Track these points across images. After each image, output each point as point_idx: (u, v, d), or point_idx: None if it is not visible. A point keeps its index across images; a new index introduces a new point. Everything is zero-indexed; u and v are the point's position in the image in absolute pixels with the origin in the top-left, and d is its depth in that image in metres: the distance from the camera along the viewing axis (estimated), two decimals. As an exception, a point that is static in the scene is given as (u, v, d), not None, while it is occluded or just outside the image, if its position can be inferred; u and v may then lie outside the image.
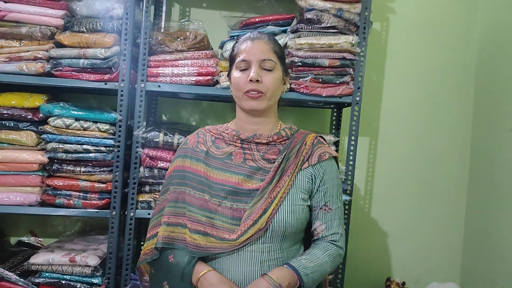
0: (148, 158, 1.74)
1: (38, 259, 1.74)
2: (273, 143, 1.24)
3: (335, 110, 2.16)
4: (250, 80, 1.19)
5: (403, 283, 2.12)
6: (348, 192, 1.81)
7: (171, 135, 1.74)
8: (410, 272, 2.29)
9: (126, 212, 1.77)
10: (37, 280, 1.73)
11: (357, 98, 1.79)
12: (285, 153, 1.22)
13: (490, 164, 2.10)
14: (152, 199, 1.78)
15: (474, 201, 2.23)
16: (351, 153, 1.81)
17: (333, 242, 1.23)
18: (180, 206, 1.23)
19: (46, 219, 2.14)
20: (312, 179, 1.23)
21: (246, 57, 1.22)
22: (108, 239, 1.76)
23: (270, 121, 1.27)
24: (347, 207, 1.83)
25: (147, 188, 1.79)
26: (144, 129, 1.74)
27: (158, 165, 1.75)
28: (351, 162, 1.81)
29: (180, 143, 1.71)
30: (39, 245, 2.10)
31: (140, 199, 1.78)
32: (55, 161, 1.76)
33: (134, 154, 1.75)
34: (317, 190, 1.23)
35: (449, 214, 2.30)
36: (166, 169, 1.75)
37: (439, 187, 2.30)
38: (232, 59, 1.29)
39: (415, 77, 2.28)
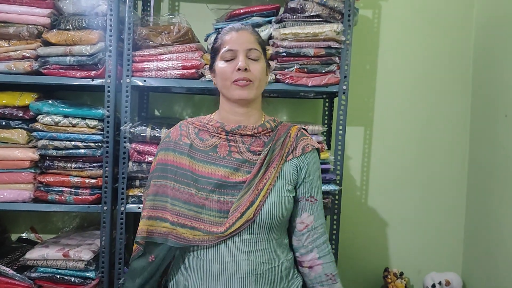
0: (136, 153, 1.75)
1: (33, 254, 1.78)
2: (257, 135, 1.24)
3: (327, 100, 2.14)
4: (239, 69, 1.18)
5: (401, 273, 2.09)
6: (337, 182, 1.79)
7: (158, 129, 1.75)
8: (409, 262, 2.26)
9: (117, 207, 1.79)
10: (32, 275, 1.77)
11: (344, 87, 1.76)
12: (270, 145, 1.22)
13: (489, 151, 2.05)
14: (142, 193, 1.79)
15: (474, 190, 2.19)
16: (340, 142, 1.79)
17: (322, 236, 1.26)
18: (160, 199, 1.24)
19: (46, 216, 2.18)
20: (297, 170, 1.24)
21: (232, 47, 1.21)
22: (101, 234, 1.79)
23: (254, 112, 1.27)
24: (337, 196, 1.81)
25: (137, 182, 1.80)
26: (130, 124, 1.75)
27: (146, 160, 1.76)
28: (339, 152, 1.79)
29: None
30: (39, 241, 2.15)
31: (130, 193, 1.79)
32: (47, 158, 1.79)
33: (122, 149, 1.76)
34: (302, 181, 1.24)
35: (448, 203, 2.26)
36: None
37: (437, 175, 2.26)
38: (215, 50, 1.27)
39: (410, 65, 2.24)
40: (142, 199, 1.33)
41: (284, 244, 1.26)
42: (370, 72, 2.24)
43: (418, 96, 2.25)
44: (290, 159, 1.23)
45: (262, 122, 1.28)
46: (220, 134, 1.24)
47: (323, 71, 1.76)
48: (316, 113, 2.22)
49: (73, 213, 2.15)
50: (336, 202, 1.81)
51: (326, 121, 2.14)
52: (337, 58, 1.76)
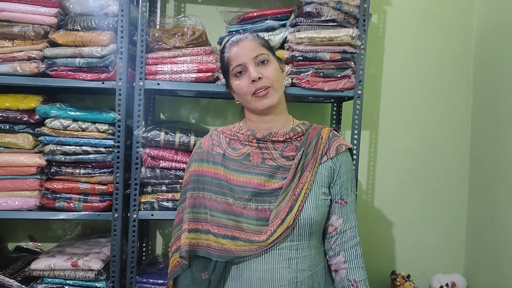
0: (149, 158, 1.70)
1: (39, 264, 1.70)
2: (289, 140, 1.23)
3: (335, 104, 2.14)
4: (253, 81, 1.17)
5: (408, 276, 2.12)
6: (352, 186, 1.79)
7: (172, 134, 1.71)
8: (414, 265, 2.28)
9: (128, 214, 1.73)
10: (39, 286, 1.70)
11: (359, 92, 1.77)
12: (303, 149, 1.21)
13: (491, 154, 2.10)
14: (155, 200, 1.74)
15: (476, 192, 2.23)
16: (355, 147, 1.79)
17: (351, 239, 1.23)
18: (199, 211, 1.22)
19: (45, 223, 2.09)
20: (331, 172, 1.23)
21: (238, 61, 1.20)
22: (111, 242, 1.73)
23: (281, 117, 1.26)
24: (352, 201, 1.81)
25: (149, 188, 1.75)
26: (144, 128, 1.70)
27: (160, 165, 1.71)
28: (355, 157, 1.79)
29: (183, 143, 1.70)
30: (38, 250, 2.06)
31: (143, 200, 1.74)
32: (54, 163, 1.71)
33: (134, 155, 1.71)
34: (334, 183, 1.23)
35: (451, 206, 2.30)
36: (168, 169, 1.73)
37: (440, 179, 2.29)
38: (225, 70, 1.28)
39: (414, 69, 2.27)
40: (177, 212, 1.29)
41: (322, 249, 1.25)
42: (375, 76, 2.26)
43: (421, 100, 2.28)
44: (325, 161, 1.22)
45: (292, 126, 1.27)
46: (251, 142, 1.23)
47: (339, 76, 1.75)
48: (323, 117, 2.22)
49: (75, 220, 2.07)
50: (351, 206, 1.81)
51: (334, 125, 2.14)
52: (352, 63, 1.76)
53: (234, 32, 1.76)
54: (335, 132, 1.30)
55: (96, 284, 1.71)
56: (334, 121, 2.14)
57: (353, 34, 1.75)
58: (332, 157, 1.23)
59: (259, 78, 1.17)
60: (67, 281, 1.71)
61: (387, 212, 2.29)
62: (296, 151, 1.21)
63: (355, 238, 1.24)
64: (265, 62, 1.20)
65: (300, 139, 1.24)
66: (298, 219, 1.14)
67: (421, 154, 2.28)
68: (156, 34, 1.71)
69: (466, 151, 2.30)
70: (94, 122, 1.70)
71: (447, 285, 2.06)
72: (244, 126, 1.29)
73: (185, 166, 1.70)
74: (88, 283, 1.71)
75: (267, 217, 1.14)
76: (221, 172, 1.21)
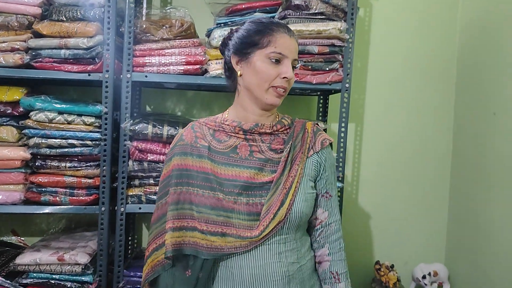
0: (137, 151, 1.69)
1: (24, 259, 1.67)
2: (276, 132, 1.21)
3: (321, 97, 2.16)
4: (284, 77, 1.13)
5: (392, 266, 2.16)
6: (340, 179, 1.81)
7: (160, 127, 1.70)
8: (398, 255, 2.33)
9: (116, 208, 1.72)
10: (24, 281, 1.67)
11: (347, 85, 1.78)
12: (291, 142, 1.20)
13: (473, 147, 2.15)
14: (142, 193, 1.73)
15: (457, 185, 2.28)
16: (342, 140, 1.81)
17: (336, 232, 1.24)
18: (184, 207, 1.16)
19: (29, 218, 2.06)
20: (317, 166, 1.22)
21: (283, 51, 1.14)
22: (98, 235, 1.71)
23: (273, 111, 1.24)
24: (339, 193, 1.84)
25: (136, 182, 1.74)
26: (131, 121, 1.68)
27: (148, 158, 1.70)
28: (342, 149, 1.81)
29: (171, 136, 1.68)
30: (21, 244, 2.02)
31: (130, 193, 1.73)
32: (38, 157, 1.69)
33: (122, 148, 1.69)
34: (320, 177, 1.23)
35: (433, 197, 2.35)
36: (156, 162, 1.72)
37: (423, 171, 2.34)
38: (255, 43, 1.15)
39: (399, 63, 2.30)
40: (156, 208, 1.22)
41: (307, 241, 1.25)
42: (360, 69, 2.28)
43: (405, 93, 2.31)
44: (311, 155, 1.22)
45: (277, 119, 1.25)
46: (237, 133, 1.19)
47: (327, 69, 1.77)
48: (310, 110, 2.23)
49: (59, 214, 2.04)
50: (339, 199, 1.84)
51: (320, 118, 2.16)
52: (340, 56, 1.78)
53: (222, 24, 1.75)
54: (318, 126, 1.31)
55: (83, 278, 1.70)
56: (320, 114, 2.16)
57: (341, 28, 1.76)
58: (318, 151, 1.23)
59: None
60: (53, 276, 1.68)
61: (371, 204, 2.33)
62: (284, 144, 1.20)
63: (339, 232, 1.25)
64: (294, 68, 1.19)
65: (287, 132, 1.23)
66: (289, 213, 1.13)
67: (404, 146, 2.32)
68: (144, 26, 1.69)
69: (448, 144, 2.35)
70: (80, 115, 1.68)
71: (429, 274, 2.12)
72: (229, 116, 1.23)
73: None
74: (75, 277, 1.69)
75: (258, 212, 1.12)
76: (208, 165, 1.16)
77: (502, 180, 1.90)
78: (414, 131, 2.33)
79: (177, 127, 1.71)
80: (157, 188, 1.70)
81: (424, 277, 2.10)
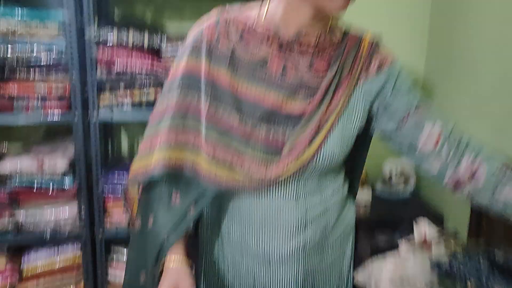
0: (104, 59, 1.68)
1: (5, 166, 1.75)
2: (322, 47, 0.91)
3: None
4: None
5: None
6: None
7: (126, 33, 1.67)
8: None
9: (88, 116, 1.75)
10: (7, 188, 1.76)
11: None
12: (338, 63, 0.90)
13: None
14: (114, 102, 1.75)
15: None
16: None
17: (463, 134, 0.93)
18: (192, 122, 0.92)
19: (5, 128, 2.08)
20: (375, 94, 0.94)
21: None
22: (74, 142, 1.76)
23: (325, 17, 0.90)
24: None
25: (106, 90, 1.75)
26: (96, 27, 1.65)
27: (116, 65, 1.70)
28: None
29: (137, 42, 1.65)
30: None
31: (101, 103, 1.75)
32: (6, 67, 1.68)
33: (89, 55, 1.68)
34: (392, 100, 0.93)
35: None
36: (125, 70, 1.71)
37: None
38: None
39: (372, 20, 2.10)
40: (155, 111, 0.97)
41: (339, 178, 1.04)
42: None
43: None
44: (363, 82, 0.93)
45: (328, 27, 0.92)
46: (272, 43, 0.91)
47: None
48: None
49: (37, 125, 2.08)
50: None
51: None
52: None
53: None
54: (379, 41, 0.97)
55: (64, 181, 1.79)
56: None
57: None
58: (374, 77, 0.93)
59: None
60: (36, 180, 1.77)
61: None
62: (331, 65, 0.91)
63: (464, 133, 0.94)
64: None
65: (336, 48, 0.92)
66: (318, 155, 0.90)
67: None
68: None
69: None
70: (42, 21, 1.64)
71: (396, 175, 2.24)
72: (267, 16, 0.91)
73: (141, 66, 1.69)
74: (55, 182, 1.78)
75: (277, 148, 0.89)
76: (226, 77, 0.90)
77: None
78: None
79: (143, 33, 1.68)
80: (127, 95, 1.74)
81: (390, 178, 2.23)
